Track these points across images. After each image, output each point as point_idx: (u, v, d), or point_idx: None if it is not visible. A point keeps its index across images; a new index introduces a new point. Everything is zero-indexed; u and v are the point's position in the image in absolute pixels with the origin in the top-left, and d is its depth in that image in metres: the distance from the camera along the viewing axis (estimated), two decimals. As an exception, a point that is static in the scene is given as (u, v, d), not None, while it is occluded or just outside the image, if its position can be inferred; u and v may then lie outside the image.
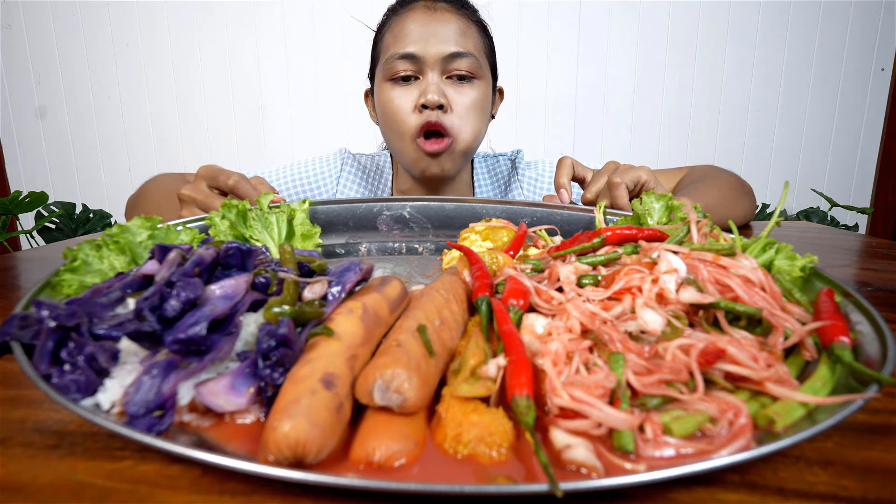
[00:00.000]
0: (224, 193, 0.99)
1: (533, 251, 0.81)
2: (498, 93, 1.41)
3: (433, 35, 1.19)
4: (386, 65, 1.22)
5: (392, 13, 1.28)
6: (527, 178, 1.48)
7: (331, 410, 0.37)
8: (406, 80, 1.22)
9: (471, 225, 0.89)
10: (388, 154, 1.49)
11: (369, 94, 1.40)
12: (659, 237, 0.65)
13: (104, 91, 2.94)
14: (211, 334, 0.43)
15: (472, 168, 1.50)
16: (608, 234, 0.65)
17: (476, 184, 1.48)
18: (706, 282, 0.52)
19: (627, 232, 0.65)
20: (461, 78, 1.22)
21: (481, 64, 1.25)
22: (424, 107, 1.18)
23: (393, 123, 1.23)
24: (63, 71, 2.92)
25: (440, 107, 1.18)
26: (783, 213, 2.94)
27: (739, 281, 0.52)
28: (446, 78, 1.22)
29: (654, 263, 0.55)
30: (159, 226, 0.72)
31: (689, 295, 0.50)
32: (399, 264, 0.90)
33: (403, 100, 1.21)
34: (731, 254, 0.56)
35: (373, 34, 1.36)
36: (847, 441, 0.42)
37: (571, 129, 3.02)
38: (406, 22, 1.21)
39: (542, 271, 0.64)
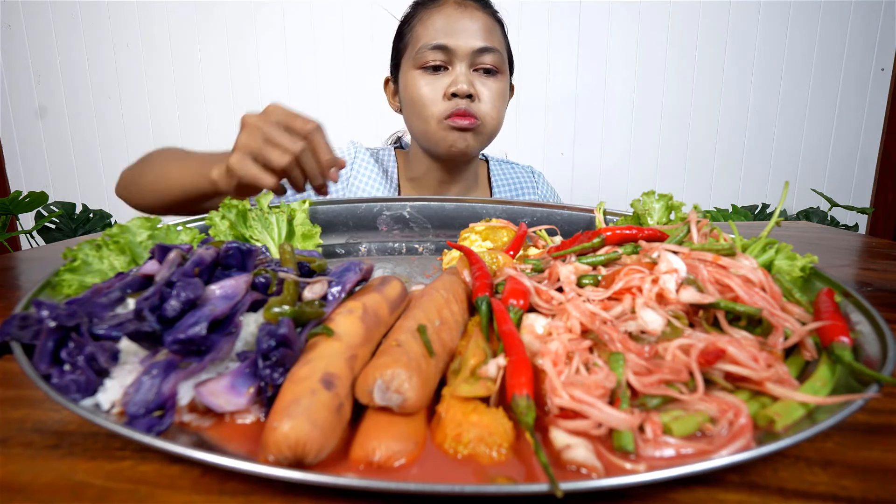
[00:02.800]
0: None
1: (533, 251, 0.81)
2: (510, 89, 1.46)
3: (464, 30, 1.26)
4: (417, 54, 1.28)
5: (420, 6, 1.34)
6: (544, 192, 1.57)
7: (331, 410, 0.37)
8: (436, 69, 1.27)
9: (471, 225, 0.89)
10: (392, 149, 1.51)
11: (389, 82, 1.45)
12: (659, 237, 0.65)
13: (104, 91, 2.94)
14: (211, 334, 0.43)
15: (489, 170, 1.56)
16: (608, 234, 0.65)
17: (493, 184, 1.53)
18: (706, 282, 0.52)
19: (627, 232, 0.65)
20: (487, 71, 1.29)
21: (504, 59, 1.33)
22: (454, 95, 1.24)
23: (421, 109, 1.28)
24: (63, 71, 2.92)
25: (468, 96, 1.24)
26: (783, 213, 2.94)
27: (739, 281, 0.52)
28: (473, 70, 1.28)
29: (654, 263, 0.55)
30: (159, 226, 0.72)
31: (689, 295, 0.50)
32: (399, 264, 0.90)
33: (433, 87, 1.26)
34: (731, 254, 0.56)
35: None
36: (847, 441, 0.42)
37: (571, 129, 3.02)
38: (438, 15, 1.29)
39: (542, 271, 0.64)
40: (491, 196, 1.51)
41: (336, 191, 1.40)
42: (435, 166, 1.39)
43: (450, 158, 1.33)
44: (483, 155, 1.59)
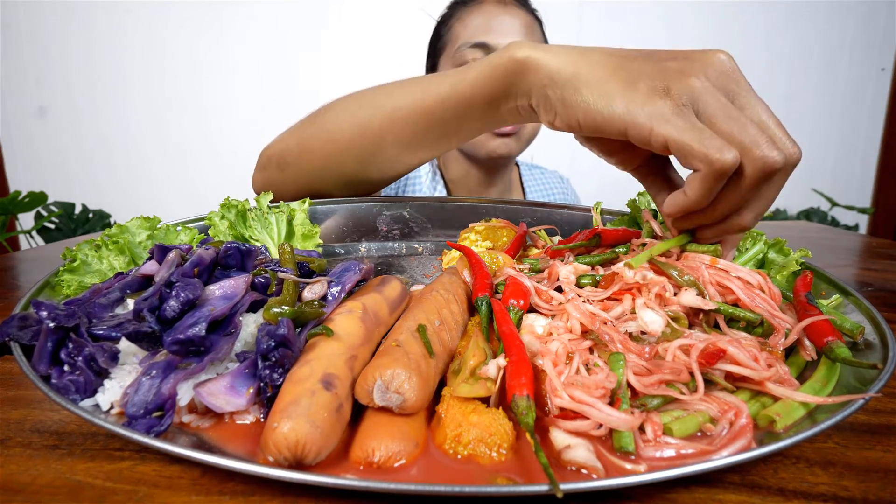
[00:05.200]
0: None
1: (533, 251, 0.81)
2: None
3: (504, 28, 1.24)
4: (457, 53, 1.25)
5: (459, 5, 1.32)
6: (572, 197, 1.56)
7: (330, 411, 0.37)
8: None
9: (471, 225, 0.88)
10: None
11: None
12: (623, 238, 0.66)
13: (104, 91, 2.94)
14: (210, 335, 0.43)
15: (520, 174, 1.56)
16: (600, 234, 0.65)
17: (526, 188, 1.54)
18: (707, 283, 0.52)
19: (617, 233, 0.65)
20: None
21: None
22: None
23: None
24: (63, 70, 2.92)
25: None
26: (783, 214, 2.94)
27: (740, 283, 0.52)
28: None
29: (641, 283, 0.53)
30: (159, 226, 0.72)
31: (691, 299, 0.50)
32: (399, 264, 0.90)
33: None
34: (717, 254, 0.56)
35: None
36: (847, 441, 0.42)
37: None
38: (478, 13, 1.26)
39: (540, 271, 0.64)
40: (524, 198, 1.52)
41: (395, 185, 1.36)
42: (474, 169, 1.38)
43: (490, 162, 1.33)
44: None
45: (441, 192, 1.40)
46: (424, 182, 1.39)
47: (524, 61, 0.62)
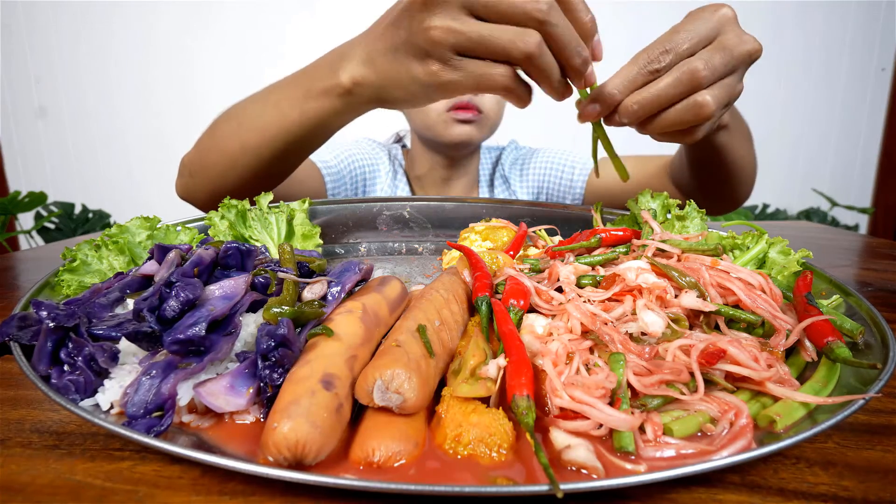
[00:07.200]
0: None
1: (533, 251, 0.81)
2: None
3: None
4: None
5: None
6: (508, 165, 1.49)
7: (330, 411, 0.37)
8: None
9: (471, 225, 0.88)
10: (399, 147, 1.51)
11: None
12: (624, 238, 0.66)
13: (104, 91, 2.94)
14: (210, 335, 0.43)
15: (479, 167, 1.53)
16: (604, 235, 0.65)
17: (481, 175, 1.51)
18: (708, 285, 0.52)
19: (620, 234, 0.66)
20: None
21: None
22: None
23: None
24: (63, 70, 2.92)
25: None
26: (783, 214, 2.94)
27: (741, 284, 0.52)
28: None
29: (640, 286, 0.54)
30: (158, 226, 0.72)
31: (692, 301, 0.50)
32: (399, 264, 0.90)
33: None
34: (715, 253, 0.56)
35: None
36: (847, 441, 0.42)
37: (571, 127, 3.02)
38: None
39: (540, 271, 0.64)
40: (477, 189, 1.51)
41: (352, 187, 1.36)
42: (438, 162, 1.37)
43: (453, 148, 1.32)
44: None
45: (404, 190, 1.40)
46: (385, 181, 1.39)
47: (350, 88, 0.73)
